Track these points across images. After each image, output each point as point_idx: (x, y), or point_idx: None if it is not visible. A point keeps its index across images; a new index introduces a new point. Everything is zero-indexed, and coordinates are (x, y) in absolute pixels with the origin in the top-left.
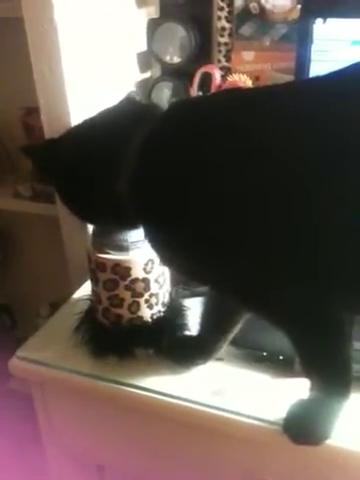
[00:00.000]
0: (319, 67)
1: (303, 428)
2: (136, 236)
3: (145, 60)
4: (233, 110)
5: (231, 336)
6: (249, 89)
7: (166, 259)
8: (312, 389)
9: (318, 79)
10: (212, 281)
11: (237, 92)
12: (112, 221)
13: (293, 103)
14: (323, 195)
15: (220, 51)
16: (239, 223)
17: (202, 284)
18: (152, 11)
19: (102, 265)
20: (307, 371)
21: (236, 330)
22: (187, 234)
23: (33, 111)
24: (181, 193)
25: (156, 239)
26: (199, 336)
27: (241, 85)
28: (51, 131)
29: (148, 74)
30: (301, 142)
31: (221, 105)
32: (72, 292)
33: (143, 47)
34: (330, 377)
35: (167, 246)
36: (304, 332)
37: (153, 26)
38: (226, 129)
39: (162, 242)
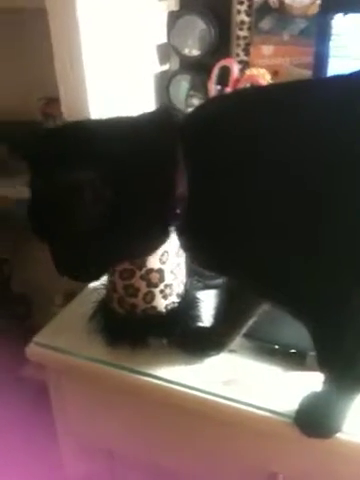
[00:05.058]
0: (338, 63)
1: (314, 421)
2: None
3: (164, 53)
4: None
5: (244, 329)
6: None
7: (202, 253)
8: (325, 382)
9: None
10: (242, 271)
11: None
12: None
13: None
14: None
15: (239, 45)
16: (283, 215)
17: (228, 274)
18: (172, 3)
19: None
20: (322, 363)
21: (250, 323)
22: (239, 224)
23: (53, 101)
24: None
25: (203, 233)
26: (213, 328)
27: (260, 79)
28: None
29: (166, 66)
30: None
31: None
32: None
33: (162, 39)
34: (345, 370)
35: (211, 237)
36: (325, 324)
37: (173, 18)
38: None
39: (208, 235)
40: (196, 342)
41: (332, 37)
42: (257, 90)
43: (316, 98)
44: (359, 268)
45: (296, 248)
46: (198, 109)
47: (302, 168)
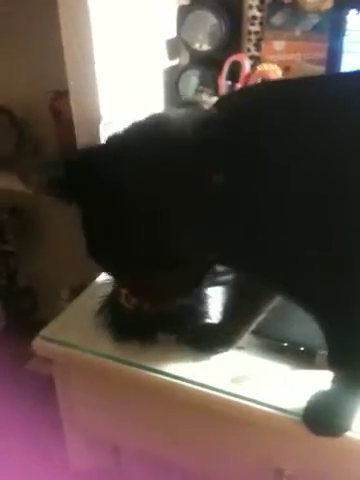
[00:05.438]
0: (352, 59)
1: (323, 419)
2: None
3: (174, 47)
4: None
5: (253, 326)
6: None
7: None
8: (334, 380)
9: None
10: (257, 264)
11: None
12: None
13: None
14: None
15: (250, 40)
16: (300, 212)
17: (242, 268)
18: None
19: None
20: (332, 360)
21: (258, 320)
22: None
23: (61, 95)
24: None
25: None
26: (221, 324)
27: (271, 75)
28: (79, 115)
29: (176, 61)
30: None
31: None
32: (94, 275)
33: (173, 34)
34: (356, 369)
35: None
36: (338, 321)
37: (183, 13)
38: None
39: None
40: (204, 339)
41: (346, 32)
42: (270, 86)
43: (330, 95)
44: None
45: (311, 244)
46: (213, 109)
47: (315, 167)
